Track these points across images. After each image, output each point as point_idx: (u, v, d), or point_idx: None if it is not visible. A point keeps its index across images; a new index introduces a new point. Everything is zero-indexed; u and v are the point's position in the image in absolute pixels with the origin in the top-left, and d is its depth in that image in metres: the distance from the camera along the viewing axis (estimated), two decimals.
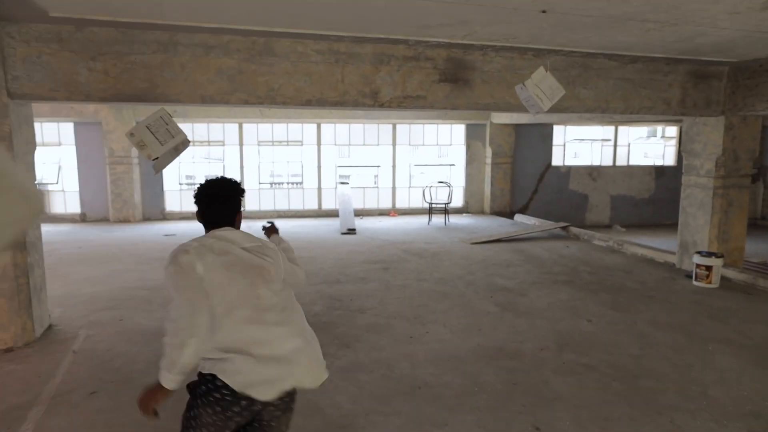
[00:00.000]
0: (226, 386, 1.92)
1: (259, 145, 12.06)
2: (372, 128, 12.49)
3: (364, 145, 12.64)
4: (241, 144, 12.01)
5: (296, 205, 12.42)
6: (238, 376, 1.93)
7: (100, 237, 9.86)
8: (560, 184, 13.28)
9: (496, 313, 5.55)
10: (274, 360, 1.99)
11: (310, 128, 12.23)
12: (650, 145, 13.71)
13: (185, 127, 11.47)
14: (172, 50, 4.80)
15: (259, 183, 12.14)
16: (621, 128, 13.46)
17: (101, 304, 5.80)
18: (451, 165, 12.90)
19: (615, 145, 13.46)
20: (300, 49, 5.10)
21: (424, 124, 12.59)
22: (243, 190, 2.32)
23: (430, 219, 11.48)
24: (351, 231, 10.29)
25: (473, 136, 12.78)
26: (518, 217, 11.81)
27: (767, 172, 13.57)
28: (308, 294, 6.16)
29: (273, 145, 12.19)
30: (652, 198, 13.77)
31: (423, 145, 12.80)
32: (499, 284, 6.69)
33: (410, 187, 12.88)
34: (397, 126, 12.58)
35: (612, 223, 13.60)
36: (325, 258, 8.12)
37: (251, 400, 1.95)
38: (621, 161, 13.59)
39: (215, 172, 12.73)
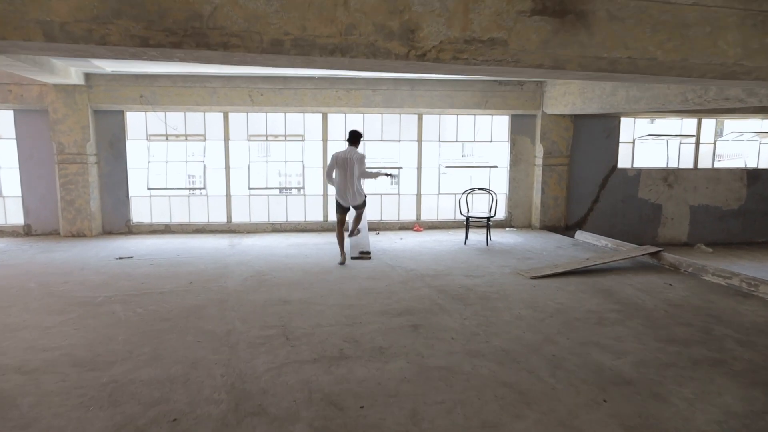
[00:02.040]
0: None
1: (249, 140, 9.56)
2: (392, 119, 9.91)
3: (381, 140, 10.06)
4: (226, 139, 9.51)
5: (296, 216, 9.89)
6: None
7: (30, 260, 7.42)
8: (627, 191, 10.57)
9: None
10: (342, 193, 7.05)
11: (314, 119, 9.69)
12: (741, 142, 10.96)
13: (155, 116, 9.00)
14: None
15: (249, 188, 9.65)
16: (706, 121, 10.69)
17: None
18: (491, 167, 10.25)
19: (697, 143, 10.71)
20: None
21: (457, 114, 9.97)
22: (361, 135, 7.15)
23: (467, 237, 8.86)
24: (364, 255, 7.72)
25: (520, 130, 10.13)
26: (581, 235, 9.15)
27: None
28: (288, 388, 3.61)
29: (267, 140, 9.68)
30: (742, 209, 10.99)
31: (456, 141, 10.19)
32: (604, 367, 4.07)
33: (439, 194, 10.27)
34: (424, 117, 9.98)
35: (691, 240, 10.85)
36: (324, 303, 5.56)
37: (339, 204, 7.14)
38: (704, 163, 10.82)
39: (194, 173, 10.25)
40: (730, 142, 10.90)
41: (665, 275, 6.86)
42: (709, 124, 10.72)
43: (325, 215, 9.94)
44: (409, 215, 10.24)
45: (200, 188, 9.77)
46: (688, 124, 10.66)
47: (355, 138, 7.09)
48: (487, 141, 10.22)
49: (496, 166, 10.18)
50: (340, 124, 9.73)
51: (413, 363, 4.13)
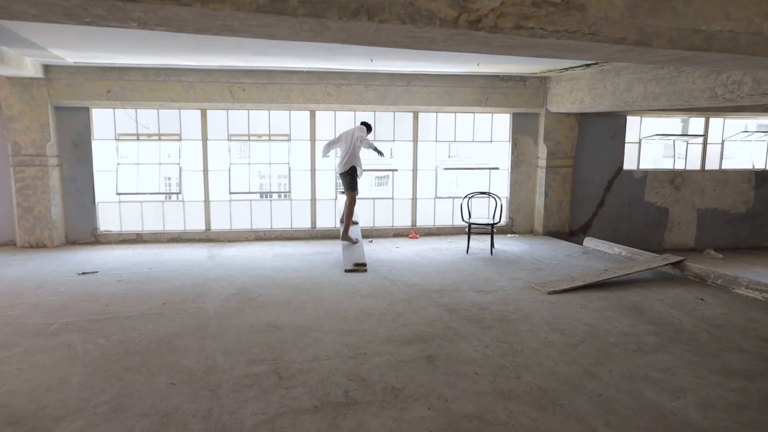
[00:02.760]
0: None
1: (229, 140, 8.72)
2: (386, 118, 9.17)
3: (374, 140, 9.29)
4: (204, 138, 8.65)
5: (282, 223, 9.08)
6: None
7: None
8: (633, 195, 10.01)
9: None
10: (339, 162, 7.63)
11: (301, 117, 8.90)
12: (749, 142, 10.49)
13: (124, 114, 8.13)
14: None
15: (230, 193, 8.81)
16: (714, 120, 10.19)
17: None
18: (492, 169, 9.57)
19: (705, 143, 10.20)
20: None
21: (456, 112, 9.28)
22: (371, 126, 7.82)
23: (469, 245, 8.16)
24: (360, 267, 6.96)
25: (521, 129, 9.48)
26: (590, 242, 8.52)
27: None
28: None
29: (249, 140, 8.85)
30: (750, 213, 10.52)
31: (454, 141, 9.49)
32: (665, 411, 3.39)
33: (436, 197, 9.56)
34: (420, 115, 9.26)
35: (699, 245, 10.34)
36: (320, 328, 4.79)
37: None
38: (711, 164, 10.32)
39: (169, 177, 9.36)
40: (738, 142, 10.42)
41: (692, 288, 6.25)
42: (717, 123, 10.24)
43: (313, 222, 9.15)
44: (403, 221, 9.51)
45: (175, 193, 8.90)
46: (697, 124, 10.15)
47: (365, 124, 7.76)
48: (487, 141, 9.55)
49: (497, 168, 9.52)
50: (329, 122, 8.96)
51: (436, 410, 3.39)
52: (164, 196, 9.02)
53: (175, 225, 8.81)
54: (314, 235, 9.10)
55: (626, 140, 9.81)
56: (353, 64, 7.57)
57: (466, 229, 8.23)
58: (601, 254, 8.05)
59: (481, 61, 7.13)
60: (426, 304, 5.57)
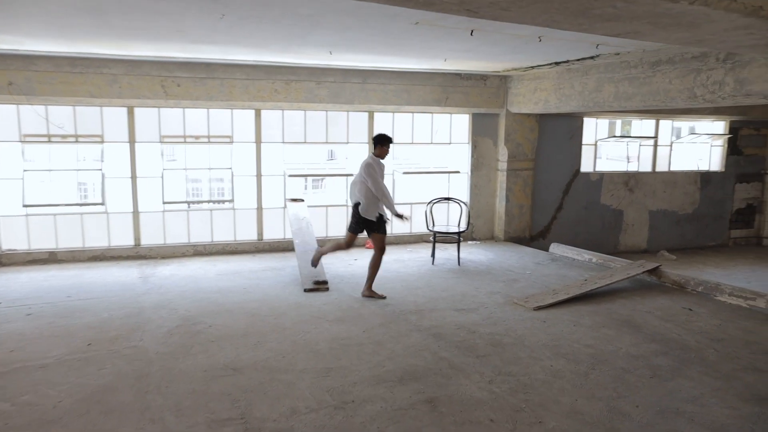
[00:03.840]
0: None
1: (162, 142, 7.63)
2: (339, 118, 8.41)
3: (326, 142, 8.53)
4: (132, 140, 7.51)
5: (223, 236, 8.08)
6: None
7: None
8: (590, 197, 9.85)
9: None
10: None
11: (245, 117, 7.96)
12: (694, 144, 10.66)
13: (32, 111, 6.89)
14: None
15: (164, 203, 7.71)
16: (663, 122, 10.25)
17: None
18: (453, 172, 9.05)
19: (655, 145, 10.24)
20: None
21: (413, 112, 8.68)
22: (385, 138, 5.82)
23: (434, 255, 7.57)
24: (321, 285, 6.18)
25: (481, 130, 9.03)
26: (557, 248, 8.19)
27: None
28: None
29: (185, 142, 7.79)
30: (697, 213, 10.69)
31: (412, 143, 8.88)
32: None
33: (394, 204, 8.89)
34: (376, 116, 8.58)
35: (651, 247, 10.37)
36: (291, 368, 3.99)
37: None
38: (662, 166, 10.39)
39: (89, 184, 8.11)
40: (686, 144, 10.56)
41: (674, 296, 5.98)
42: (665, 125, 10.31)
43: (260, 233, 8.23)
44: None
45: (97, 203, 7.68)
46: (648, 125, 10.16)
47: (377, 142, 5.86)
48: (446, 143, 9.03)
49: (458, 172, 9.01)
50: (277, 122, 8.08)
51: None
52: (83, 207, 7.77)
53: (97, 240, 7.60)
54: (261, 247, 8.18)
55: (583, 142, 9.63)
56: (307, 57, 6.77)
57: (431, 238, 7.64)
58: (570, 261, 7.73)
59: (448, 57, 6.57)
60: (406, 328, 4.89)
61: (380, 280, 6.58)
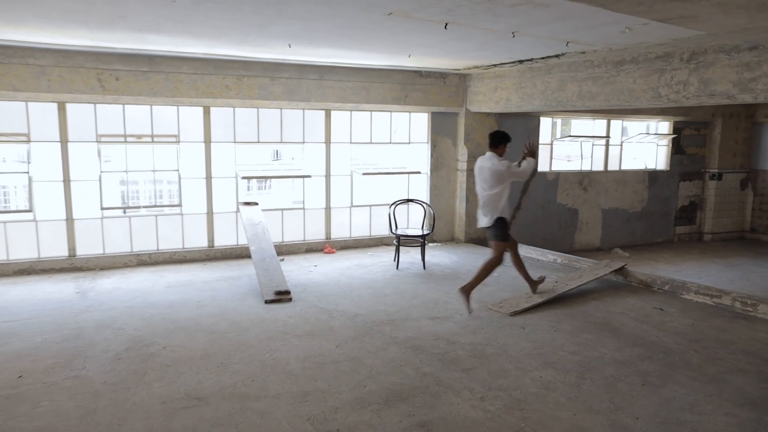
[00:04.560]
0: None
1: (99, 141, 6.92)
2: (294, 116, 7.96)
3: (281, 142, 8.06)
4: (64, 140, 6.76)
5: (170, 243, 7.45)
6: None
7: None
8: (547, 197, 9.89)
9: None
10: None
11: (192, 114, 7.36)
12: (642, 144, 10.94)
13: None
14: None
15: (102, 208, 7.00)
16: (614, 122, 10.45)
17: None
18: (414, 173, 8.79)
19: (607, 145, 10.42)
20: None
21: (372, 110, 8.35)
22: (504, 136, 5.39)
23: (398, 260, 7.28)
24: (283, 296, 5.74)
25: (441, 130, 8.84)
26: (519, 249, 8.08)
27: (757, 176, 11.53)
28: None
29: (125, 141, 7.10)
30: (645, 211, 10.99)
31: (370, 143, 8.55)
32: None
33: (352, 206, 8.56)
34: (333, 114, 8.19)
35: (604, 245, 10.55)
36: (264, 394, 3.58)
37: None
38: (613, 165, 10.59)
39: (11, 188, 7.25)
40: (635, 144, 10.82)
41: (643, 296, 5.99)
42: (616, 125, 10.52)
43: (211, 240, 7.65)
44: (316, 234, 8.37)
45: (23, 211, 6.87)
46: (600, 125, 10.32)
47: (495, 140, 5.37)
48: (405, 143, 8.76)
49: (419, 172, 8.76)
50: (228, 120, 7.53)
51: None
52: (6, 214, 6.92)
53: (24, 252, 6.79)
54: (213, 255, 7.61)
55: (540, 141, 9.64)
56: (264, 50, 6.30)
57: (395, 242, 7.35)
58: (534, 262, 7.66)
59: (413, 53, 6.29)
60: (382, 342, 4.57)
61: (345, 287, 6.23)
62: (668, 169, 11.07)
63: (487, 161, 5.33)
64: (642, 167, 11.02)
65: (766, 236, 11.30)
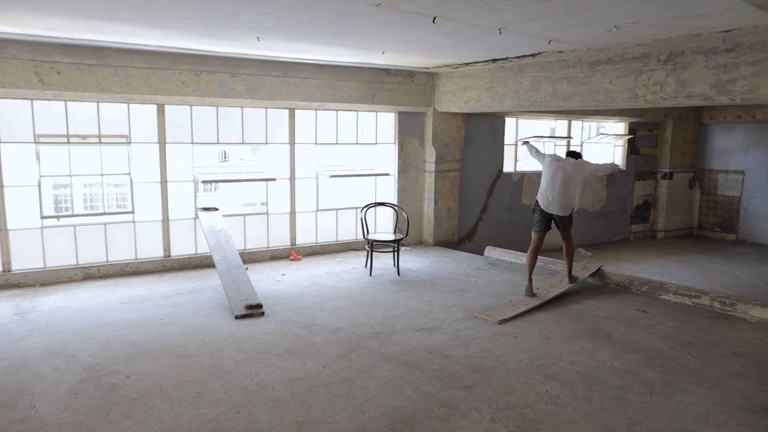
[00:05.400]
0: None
1: (37, 142, 6.18)
2: (256, 115, 7.47)
3: (242, 143, 7.54)
4: None
5: (121, 254, 6.80)
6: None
7: None
8: (512, 198, 9.84)
9: None
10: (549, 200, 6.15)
11: (145, 113, 6.74)
12: (600, 144, 11.13)
13: None
14: None
15: (42, 217, 6.27)
16: (575, 123, 10.55)
17: None
18: (382, 175, 8.47)
19: (569, 145, 10.50)
20: None
21: (339, 110, 7.98)
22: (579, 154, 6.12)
23: (371, 266, 6.94)
24: (255, 309, 5.29)
25: (408, 130, 8.58)
26: (492, 252, 7.99)
27: (704, 175, 12.01)
28: None
29: (68, 142, 6.38)
30: (604, 210, 11.18)
31: (336, 143, 8.16)
32: None
33: (318, 210, 8.15)
34: (297, 113, 7.76)
35: None
36: (250, 429, 3.16)
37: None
38: None
39: None
40: (593, 144, 10.99)
41: (623, 298, 5.95)
42: (577, 125, 10.62)
43: (167, 249, 7.04)
44: (281, 240, 7.90)
45: None
46: (561, 126, 10.40)
47: (572, 155, 6.21)
48: (371, 143, 8.44)
49: (388, 174, 8.46)
50: (185, 119, 6.95)
51: None
52: None
53: None
54: (170, 265, 7.01)
55: (505, 142, 9.57)
56: (227, 43, 5.80)
57: (367, 247, 7.01)
58: (509, 265, 7.55)
59: (390, 49, 5.98)
60: (371, 359, 4.24)
61: (320, 298, 5.85)
62: (624, 168, 11.31)
63: (571, 163, 6.08)
64: None
65: (712, 233, 11.78)
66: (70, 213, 6.54)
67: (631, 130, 11.19)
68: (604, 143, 11.04)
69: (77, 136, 6.37)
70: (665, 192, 11.63)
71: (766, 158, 10.97)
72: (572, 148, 7.00)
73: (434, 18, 4.36)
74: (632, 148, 11.31)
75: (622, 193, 11.33)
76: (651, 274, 8.17)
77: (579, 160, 6.13)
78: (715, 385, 3.83)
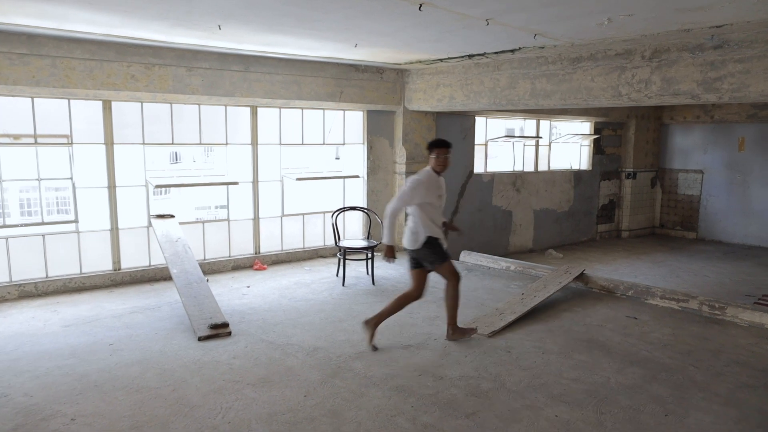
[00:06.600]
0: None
1: None
2: (215, 113, 6.87)
3: (200, 144, 6.91)
4: None
5: (63, 268, 6.07)
6: None
7: None
8: (483, 199, 9.58)
9: None
10: None
11: (89, 110, 6.03)
12: (567, 144, 11.04)
13: None
14: None
15: None
16: (543, 122, 10.40)
17: None
18: (352, 176, 8.01)
19: (537, 145, 10.35)
20: None
21: (304, 108, 7.47)
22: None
23: (344, 275, 6.48)
24: (221, 329, 4.74)
25: (377, 129, 8.15)
26: (468, 257, 7.68)
27: (665, 175, 12.16)
28: None
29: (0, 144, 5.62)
30: (572, 210, 11.11)
31: (302, 144, 7.64)
32: None
33: (283, 215, 7.61)
34: (260, 111, 7.20)
35: (536, 246, 10.48)
36: None
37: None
38: (543, 165, 10.55)
39: None
40: (561, 144, 10.89)
41: (610, 303, 5.73)
42: (545, 125, 10.49)
43: (116, 261, 6.35)
44: (244, 248, 7.32)
45: None
46: (530, 125, 10.23)
47: (431, 148, 4.66)
48: (339, 144, 7.97)
49: (357, 176, 8.00)
50: (135, 117, 6.28)
51: None
52: None
53: None
54: (120, 280, 6.32)
55: (475, 142, 9.30)
56: (182, 32, 5.21)
57: (339, 255, 6.55)
58: (487, 270, 7.24)
59: (366, 40, 5.54)
60: (357, 385, 3.79)
61: (291, 313, 5.35)
62: (590, 168, 11.28)
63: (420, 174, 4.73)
64: (568, 167, 11.12)
65: (673, 231, 11.93)
66: (1, 223, 5.75)
67: (597, 129, 11.17)
68: (571, 143, 10.96)
69: (8, 135, 5.61)
70: (629, 191, 11.69)
71: (724, 158, 11.18)
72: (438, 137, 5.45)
73: (420, 5, 3.96)
74: (598, 148, 11.29)
75: (588, 193, 11.29)
76: (624, 276, 8.09)
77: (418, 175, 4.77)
78: (727, 400, 3.59)
